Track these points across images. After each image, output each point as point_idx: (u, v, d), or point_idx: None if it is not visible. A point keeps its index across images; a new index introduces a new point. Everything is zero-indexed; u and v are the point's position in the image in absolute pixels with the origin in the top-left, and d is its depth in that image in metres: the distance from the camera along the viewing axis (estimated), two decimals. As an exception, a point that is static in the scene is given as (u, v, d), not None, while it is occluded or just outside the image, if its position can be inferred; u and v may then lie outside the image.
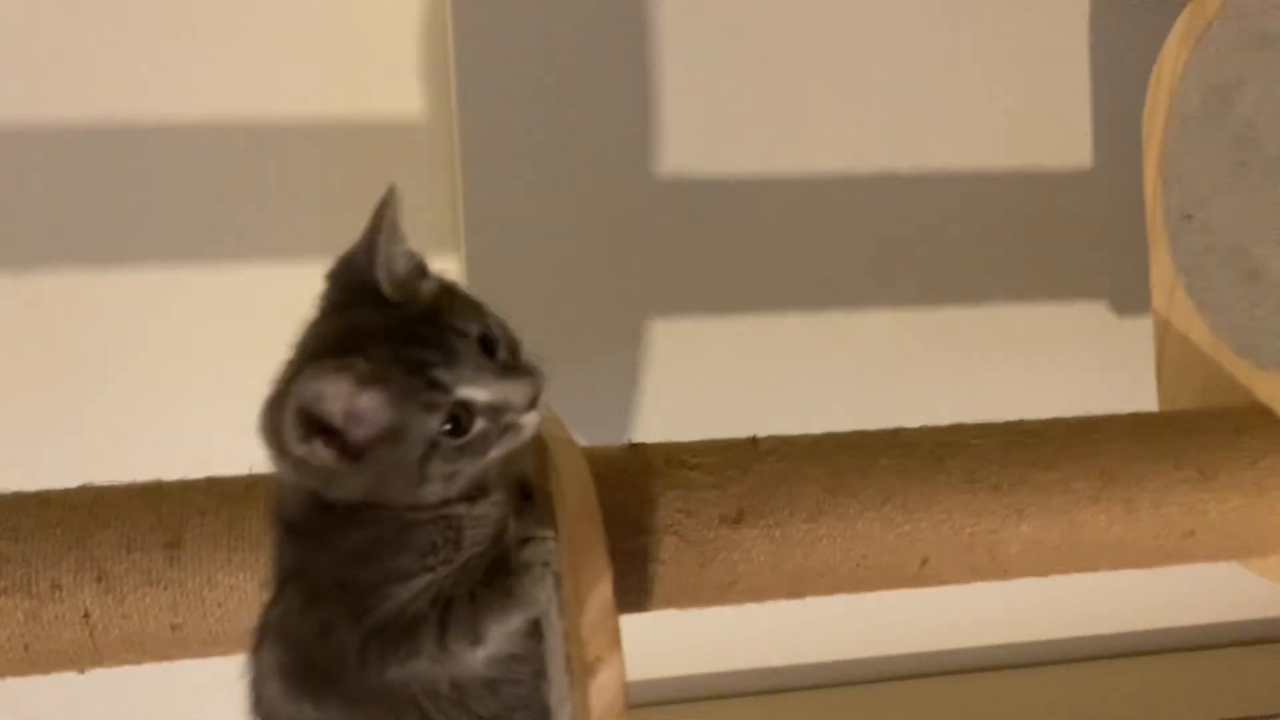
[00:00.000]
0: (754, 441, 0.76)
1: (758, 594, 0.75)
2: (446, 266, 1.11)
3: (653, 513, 0.71)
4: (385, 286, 0.54)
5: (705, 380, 1.16)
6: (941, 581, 0.77)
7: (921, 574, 0.76)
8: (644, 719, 1.31)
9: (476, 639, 0.52)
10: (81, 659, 0.68)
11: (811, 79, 1.13)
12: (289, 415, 0.49)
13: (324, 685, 0.53)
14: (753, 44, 1.11)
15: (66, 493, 0.69)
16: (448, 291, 0.56)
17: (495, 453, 0.53)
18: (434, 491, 0.53)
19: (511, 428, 0.53)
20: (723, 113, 1.12)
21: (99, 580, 0.65)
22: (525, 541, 0.53)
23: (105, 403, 1.04)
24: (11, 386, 1.03)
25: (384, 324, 0.53)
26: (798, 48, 1.12)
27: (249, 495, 0.69)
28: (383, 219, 0.54)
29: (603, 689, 0.45)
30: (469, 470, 0.53)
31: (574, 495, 0.50)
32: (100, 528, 0.66)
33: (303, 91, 1.06)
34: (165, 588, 0.66)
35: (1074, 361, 1.21)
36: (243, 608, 0.67)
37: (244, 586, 0.67)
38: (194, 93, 1.04)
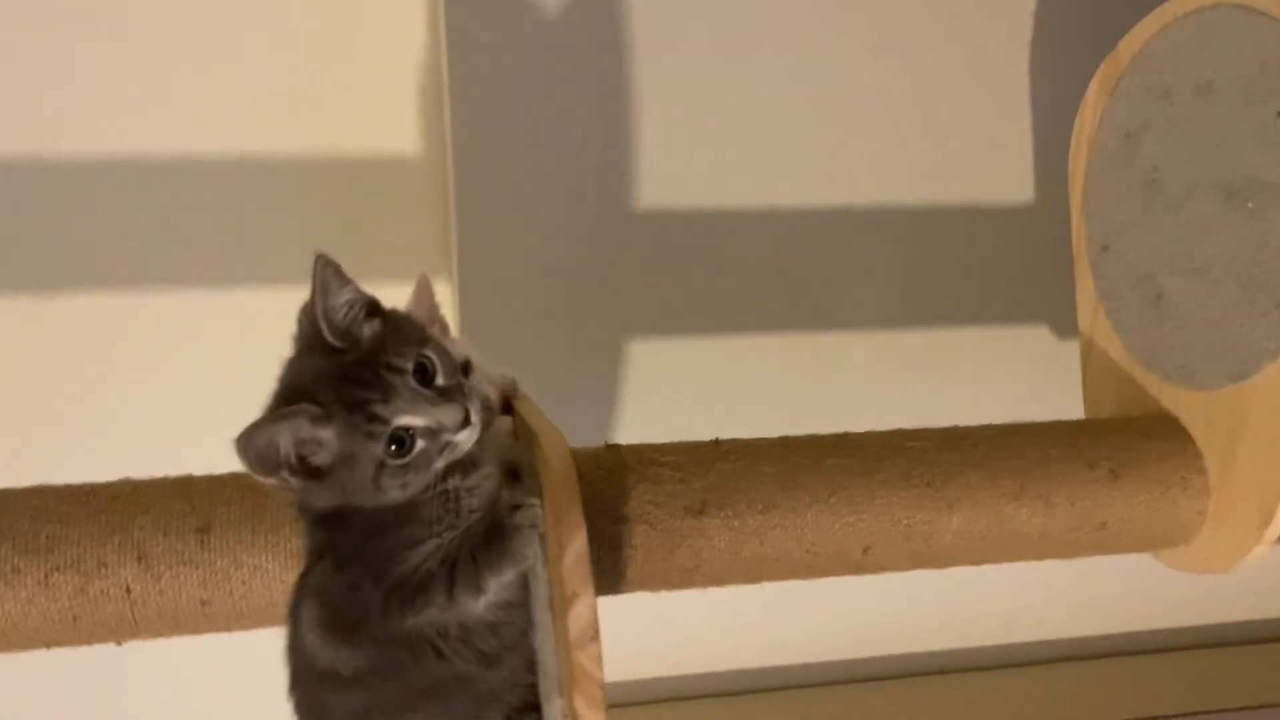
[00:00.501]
0: (716, 443, 0.85)
1: (719, 578, 0.83)
2: (440, 290, 1.20)
3: (625, 504, 0.79)
4: (329, 338, 0.62)
5: (676, 392, 1.24)
6: (883, 568, 0.86)
7: (865, 561, 0.84)
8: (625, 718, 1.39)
9: (478, 590, 0.61)
10: (122, 631, 0.75)
11: (774, 124, 1.21)
12: (245, 462, 0.59)
13: (354, 632, 0.62)
14: (719, 91, 1.19)
15: (110, 484, 0.77)
16: (389, 328, 0.64)
17: (439, 464, 0.62)
18: (393, 496, 0.62)
19: (448, 445, 0.62)
20: (692, 152, 1.20)
21: (139, 560, 0.73)
22: (515, 508, 0.62)
23: (142, 411, 1.13)
24: (59, 399, 1.12)
25: (330, 370, 0.62)
26: (761, 95, 1.20)
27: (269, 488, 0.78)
28: (316, 283, 0.63)
29: (579, 616, 0.55)
30: (419, 480, 0.62)
31: (555, 468, 0.59)
32: (140, 514, 0.74)
33: (315, 129, 1.14)
34: (197, 567, 0.74)
35: (1018, 379, 1.31)
36: (265, 586, 0.75)
37: (266, 566, 0.75)
38: (213, 132, 1.12)
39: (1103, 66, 0.98)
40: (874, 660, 1.47)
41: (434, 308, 0.75)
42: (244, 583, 0.75)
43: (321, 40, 1.13)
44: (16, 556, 0.72)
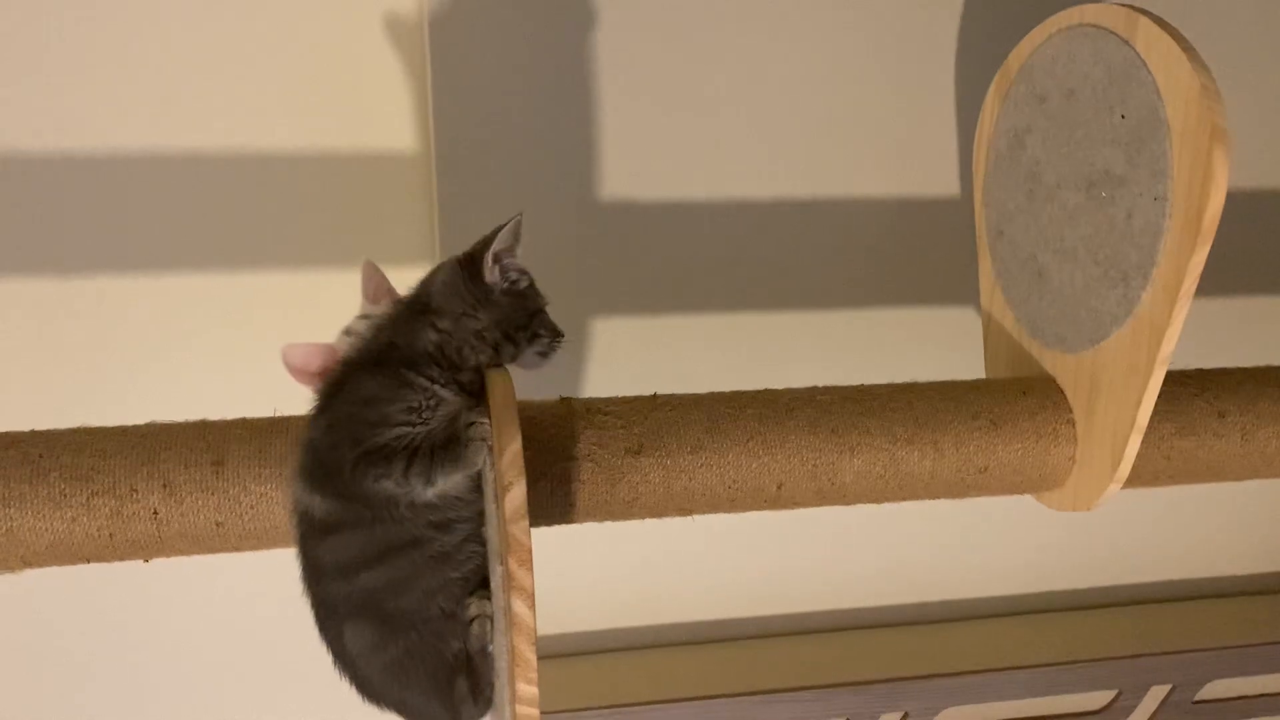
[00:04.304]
0: (654, 397, 0.99)
1: (655, 510, 0.97)
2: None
3: (575, 445, 0.93)
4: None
5: (637, 365, 1.38)
6: (795, 504, 1.00)
7: (779, 496, 0.98)
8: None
9: (428, 481, 0.77)
10: (150, 548, 0.89)
11: (728, 126, 1.34)
12: (501, 234, 0.84)
13: (326, 484, 0.78)
14: (679, 96, 1.31)
15: (140, 426, 0.90)
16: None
17: (541, 353, 0.86)
18: (509, 352, 0.83)
19: (554, 349, 0.87)
20: (653, 149, 1.33)
21: (164, 487, 0.87)
22: (471, 424, 0.77)
23: (161, 373, 1.28)
24: (95, 363, 1.27)
25: None
26: (715, 100, 1.33)
27: (272, 429, 0.90)
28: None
29: (512, 499, 0.69)
30: (529, 349, 0.85)
31: (498, 393, 0.74)
32: (165, 449, 0.88)
33: (312, 126, 1.26)
34: (212, 494, 0.87)
35: (945, 354, 1.44)
36: (269, 510, 0.88)
37: (270, 494, 0.88)
38: (223, 130, 1.25)
39: (997, 76, 1.12)
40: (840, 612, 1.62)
41: (382, 282, 0.91)
42: (252, 507, 0.88)
43: (317, 38, 1.24)
44: (63, 483, 0.86)
